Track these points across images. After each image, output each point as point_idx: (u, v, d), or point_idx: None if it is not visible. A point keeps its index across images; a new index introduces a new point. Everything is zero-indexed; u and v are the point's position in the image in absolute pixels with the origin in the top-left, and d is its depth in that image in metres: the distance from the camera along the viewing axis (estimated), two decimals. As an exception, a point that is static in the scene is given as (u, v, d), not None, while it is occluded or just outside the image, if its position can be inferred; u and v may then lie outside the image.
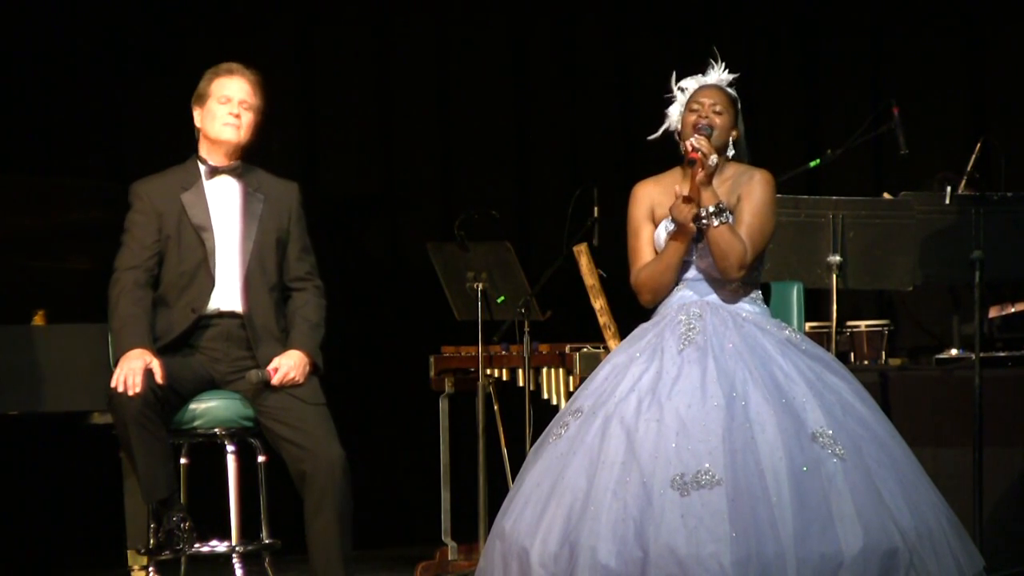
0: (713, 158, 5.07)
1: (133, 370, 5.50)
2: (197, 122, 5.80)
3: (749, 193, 5.13)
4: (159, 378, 5.52)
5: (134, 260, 5.72)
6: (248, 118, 5.78)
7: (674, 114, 5.28)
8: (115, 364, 5.58)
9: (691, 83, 5.27)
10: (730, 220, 5.06)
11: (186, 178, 5.79)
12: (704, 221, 5.05)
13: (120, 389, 5.48)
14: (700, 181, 5.05)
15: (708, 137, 5.11)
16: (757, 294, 5.19)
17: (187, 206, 5.74)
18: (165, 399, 5.57)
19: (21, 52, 7.99)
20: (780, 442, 4.74)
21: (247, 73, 5.81)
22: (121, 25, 8.19)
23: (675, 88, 5.29)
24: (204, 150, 5.82)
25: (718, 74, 5.26)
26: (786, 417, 4.80)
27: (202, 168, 5.80)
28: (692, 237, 5.09)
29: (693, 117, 5.16)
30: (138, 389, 5.47)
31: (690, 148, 5.08)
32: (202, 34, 8.32)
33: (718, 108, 5.16)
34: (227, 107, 5.75)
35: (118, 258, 5.74)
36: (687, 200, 5.05)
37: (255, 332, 5.72)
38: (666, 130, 5.30)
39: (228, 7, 8.37)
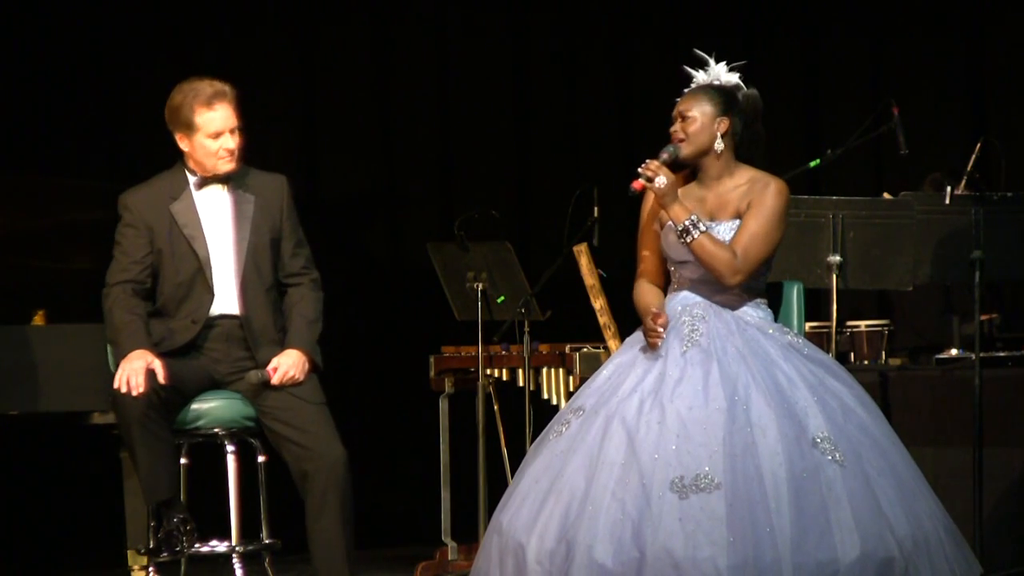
0: (659, 179, 5.04)
1: (135, 370, 5.50)
2: (183, 147, 5.72)
3: (759, 201, 5.09)
4: (162, 378, 5.52)
5: (125, 274, 5.70)
6: (238, 139, 5.73)
7: None
8: (116, 369, 5.57)
9: (698, 78, 5.25)
10: (702, 230, 5.04)
11: (174, 187, 5.75)
12: (681, 240, 5.06)
13: (123, 390, 5.48)
14: (662, 204, 5.06)
15: (672, 156, 5.09)
16: (761, 300, 5.18)
17: (177, 216, 5.72)
18: (168, 399, 5.56)
19: (21, 52, 7.99)
20: (781, 447, 4.73)
21: (225, 96, 5.70)
22: (121, 24, 8.19)
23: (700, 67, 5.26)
24: (193, 163, 5.76)
25: (714, 71, 5.22)
26: (787, 422, 4.79)
27: (191, 178, 5.76)
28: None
29: (673, 129, 5.16)
30: (141, 389, 5.47)
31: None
32: (203, 34, 8.32)
33: (688, 114, 5.11)
34: (220, 142, 5.69)
35: (109, 272, 5.73)
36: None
37: (253, 335, 5.72)
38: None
39: (229, 7, 8.37)
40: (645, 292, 5.22)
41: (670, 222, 5.11)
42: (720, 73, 5.20)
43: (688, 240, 5.04)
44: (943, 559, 4.77)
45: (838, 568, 4.60)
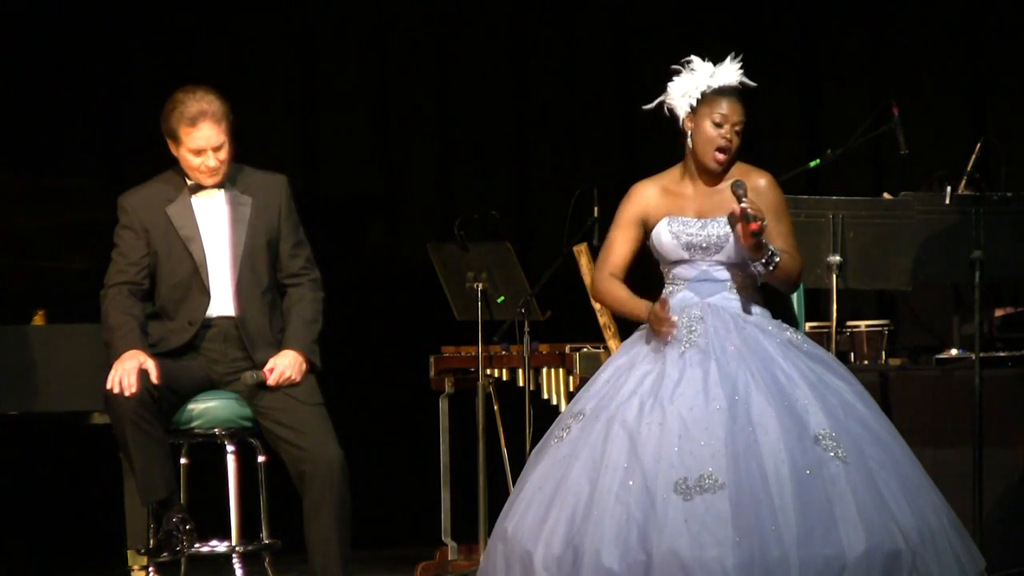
0: (764, 221, 5.00)
1: (127, 370, 5.50)
2: (173, 152, 5.74)
3: (766, 205, 5.07)
4: (154, 378, 5.52)
5: (122, 276, 5.72)
6: (224, 154, 5.71)
7: (675, 92, 5.15)
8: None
9: (704, 68, 5.16)
10: (781, 251, 5.06)
11: (171, 189, 5.76)
12: (762, 271, 5.04)
13: (116, 390, 5.49)
14: (758, 241, 4.99)
15: (745, 192, 5.05)
16: (758, 296, 5.18)
17: (173, 219, 5.72)
18: (162, 399, 5.57)
19: (21, 52, 7.99)
20: (782, 444, 4.73)
21: (208, 114, 5.66)
22: (121, 24, 8.19)
23: (684, 66, 5.18)
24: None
25: (734, 69, 5.16)
26: (788, 419, 4.79)
27: (188, 181, 5.76)
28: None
29: (714, 133, 5.07)
30: (133, 389, 5.47)
31: (739, 212, 4.96)
32: (203, 34, 8.32)
33: (739, 128, 5.09)
34: (202, 159, 5.69)
35: (107, 274, 5.75)
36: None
37: (249, 337, 5.72)
38: (661, 103, 5.20)
39: (228, 7, 8.37)
40: (617, 286, 5.18)
41: (668, 219, 5.11)
42: (739, 75, 5.17)
43: (772, 268, 5.03)
44: (949, 551, 4.78)
45: (845, 563, 4.61)
